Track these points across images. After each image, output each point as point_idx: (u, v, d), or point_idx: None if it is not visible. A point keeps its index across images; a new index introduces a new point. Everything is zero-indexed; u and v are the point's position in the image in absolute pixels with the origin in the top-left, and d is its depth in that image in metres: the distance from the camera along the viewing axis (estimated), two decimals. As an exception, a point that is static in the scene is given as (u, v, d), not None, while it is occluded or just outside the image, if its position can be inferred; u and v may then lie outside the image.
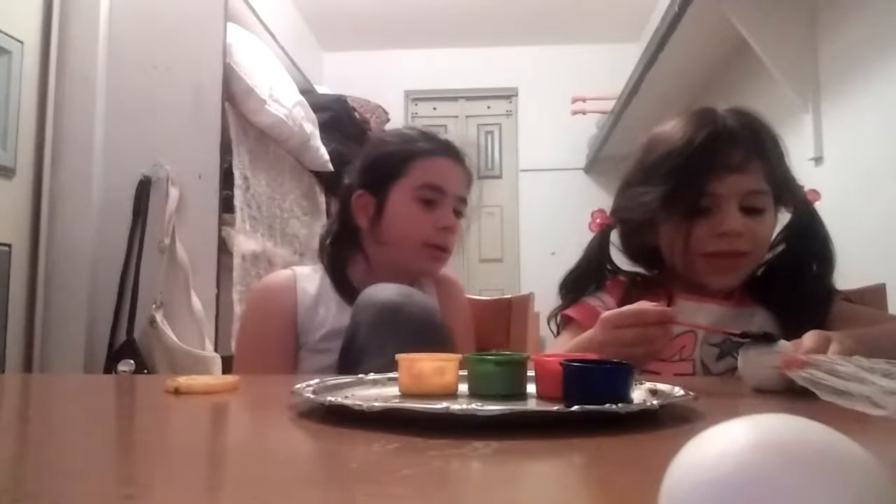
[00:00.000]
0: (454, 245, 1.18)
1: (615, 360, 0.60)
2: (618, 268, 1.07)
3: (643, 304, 0.78)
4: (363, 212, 1.15)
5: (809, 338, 0.69)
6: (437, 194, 1.13)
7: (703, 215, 0.94)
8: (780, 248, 1.00)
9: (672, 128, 0.99)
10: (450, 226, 1.14)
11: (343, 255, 1.18)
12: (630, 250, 1.06)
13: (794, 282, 0.96)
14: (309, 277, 1.15)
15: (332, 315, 1.11)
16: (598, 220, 1.05)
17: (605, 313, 0.81)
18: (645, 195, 0.97)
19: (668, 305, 0.96)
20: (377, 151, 1.20)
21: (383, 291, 0.96)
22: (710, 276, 0.96)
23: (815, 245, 0.97)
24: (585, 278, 1.04)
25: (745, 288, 1.00)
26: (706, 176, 0.93)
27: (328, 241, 1.20)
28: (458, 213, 1.18)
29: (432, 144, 1.16)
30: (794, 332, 0.71)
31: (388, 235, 1.13)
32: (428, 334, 0.92)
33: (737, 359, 0.72)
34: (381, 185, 1.14)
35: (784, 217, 1.01)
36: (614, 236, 1.06)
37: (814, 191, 0.99)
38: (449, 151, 1.17)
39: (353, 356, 0.93)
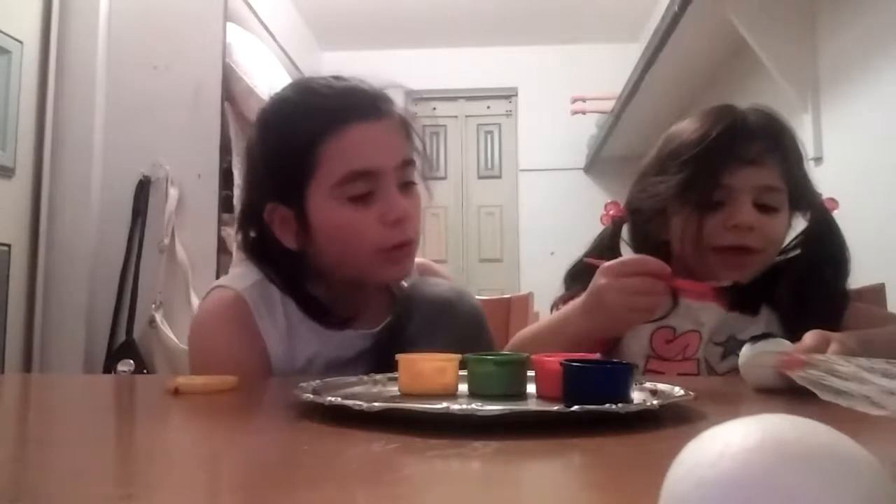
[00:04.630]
0: (418, 230, 0.88)
1: (615, 360, 0.60)
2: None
3: (643, 256, 0.81)
4: (286, 230, 0.86)
5: (809, 337, 0.69)
6: (366, 181, 0.83)
7: (715, 208, 0.93)
8: (794, 253, 1.00)
9: (690, 122, 0.99)
10: (402, 215, 0.84)
11: (292, 276, 0.89)
12: (640, 244, 1.05)
13: (807, 286, 0.95)
14: (267, 307, 0.87)
15: (320, 354, 0.88)
16: (610, 213, 1.04)
17: (606, 263, 0.83)
18: (659, 185, 0.96)
19: (673, 303, 0.96)
20: (269, 143, 0.87)
21: (436, 286, 0.91)
22: (720, 271, 0.96)
23: (832, 253, 0.96)
24: (592, 269, 1.03)
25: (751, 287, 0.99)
26: (721, 167, 0.92)
27: (259, 257, 0.91)
28: (408, 185, 0.87)
29: (336, 109, 0.83)
30: (801, 335, 0.72)
31: (328, 253, 0.86)
32: (477, 336, 0.87)
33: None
34: (290, 193, 0.84)
35: (799, 223, 1.00)
36: (625, 232, 1.05)
37: (832, 199, 0.98)
38: (361, 110, 0.84)
39: (400, 346, 0.74)
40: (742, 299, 0.95)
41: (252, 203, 0.90)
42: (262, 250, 0.90)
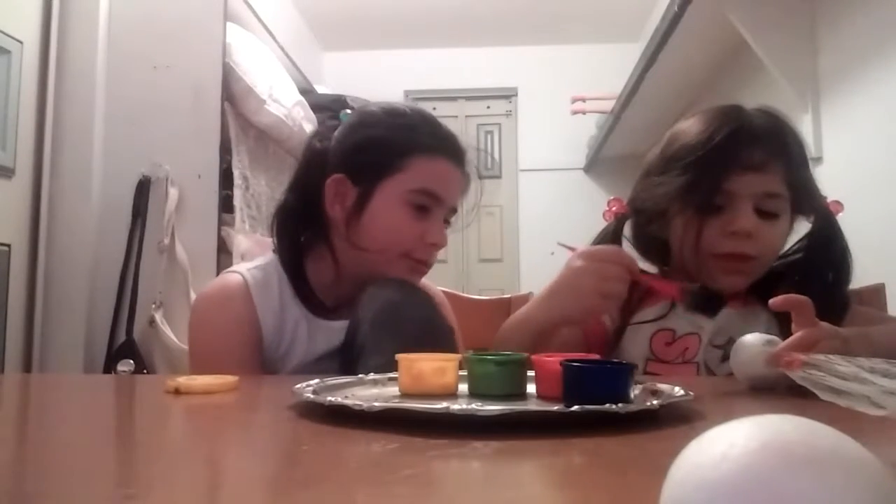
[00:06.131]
0: (435, 260, 1.02)
1: (615, 360, 0.60)
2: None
3: (618, 247, 0.85)
4: (339, 201, 0.96)
5: (797, 333, 0.70)
6: (432, 202, 0.97)
7: (716, 213, 0.93)
8: (796, 256, 0.99)
9: (696, 121, 0.98)
10: (439, 242, 0.98)
11: (302, 243, 1.00)
12: (641, 242, 1.05)
13: (808, 290, 0.95)
14: (264, 284, 0.96)
15: (302, 340, 0.95)
16: (613, 209, 1.03)
17: (581, 248, 0.87)
18: (661, 185, 0.96)
19: (671, 305, 0.96)
20: (369, 132, 0.99)
21: (385, 288, 0.92)
22: (718, 277, 0.95)
23: (834, 257, 0.96)
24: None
25: (751, 289, 0.99)
26: (724, 172, 0.92)
27: (285, 222, 1.00)
28: (446, 222, 1.03)
29: (436, 140, 0.99)
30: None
31: (364, 237, 0.96)
32: (428, 334, 0.88)
33: None
34: (367, 176, 0.96)
35: (801, 227, 1.00)
36: (627, 229, 1.04)
37: (837, 202, 0.98)
38: (453, 153, 1.01)
39: (353, 354, 0.89)
40: (703, 302, 0.95)
41: (308, 174, 1.01)
42: (294, 212, 1.00)
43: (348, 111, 1.06)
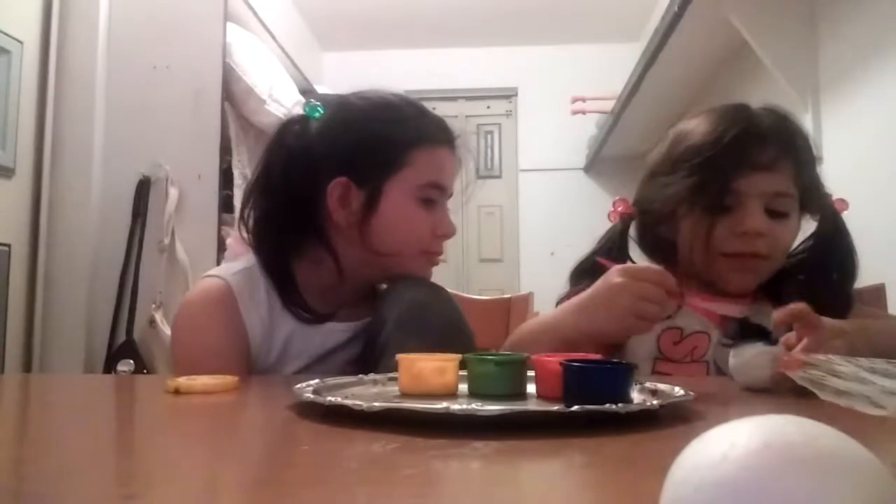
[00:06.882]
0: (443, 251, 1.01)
1: (615, 360, 0.60)
2: (632, 261, 1.04)
3: (662, 269, 0.81)
4: (344, 205, 0.91)
5: (802, 343, 0.69)
6: (438, 194, 0.95)
7: (725, 213, 0.93)
8: (803, 255, 0.99)
9: (703, 121, 0.97)
10: (449, 232, 0.97)
11: (290, 248, 0.94)
12: (647, 243, 1.04)
13: (813, 289, 0.93)
14: (250, 290, 0.90)
15: (297, 349, 0.91)
16: (619, 209, 1.02)
17: (622, 265, 0.83)
18: (669, 186, 0.95)
19: (679, 303, 0.95)
20: (364, 130, 0.93)
21: (410, 289, 0.90)
22: (728, 276, 0.95)
23: (840, 256, 0.96)
24: (601, 267, 1.02)
25: (759, 287, 0.98)
26: (733, 173, 0.91)
27: (264, 229, 0.94)
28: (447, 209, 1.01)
29: (431, 129, 0.96)
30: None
31: (380, 240, 0.92)
32: (452, 336, 0.86)
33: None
34: (372, 176, 0.91)
35: (808, 226, 1.00)
36: (632, 230, 1.04)
37: (842, 200, 0.98)
38: (448, 139, 0.98)
39: (375, 353, 0.85)
40: (745, 334, 0.93)
41: (289, 175, 0.92)
42: (274, 225, 0.93)
43: (314, 102, 0.96)
